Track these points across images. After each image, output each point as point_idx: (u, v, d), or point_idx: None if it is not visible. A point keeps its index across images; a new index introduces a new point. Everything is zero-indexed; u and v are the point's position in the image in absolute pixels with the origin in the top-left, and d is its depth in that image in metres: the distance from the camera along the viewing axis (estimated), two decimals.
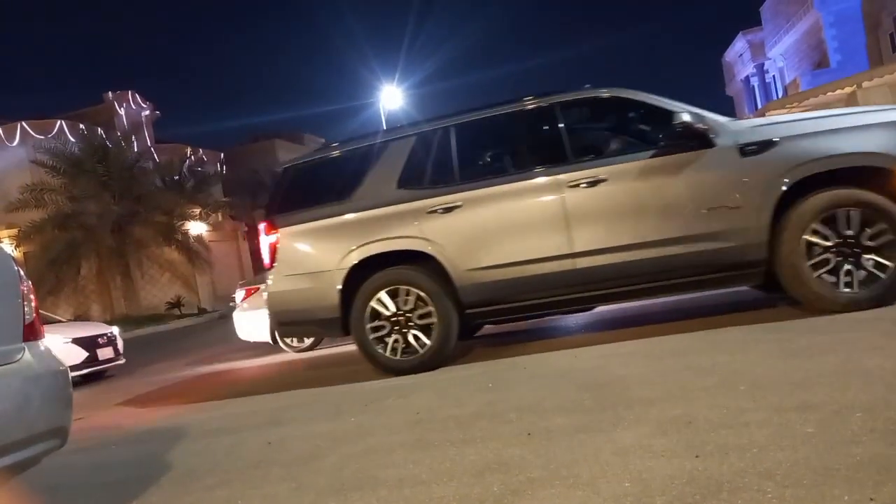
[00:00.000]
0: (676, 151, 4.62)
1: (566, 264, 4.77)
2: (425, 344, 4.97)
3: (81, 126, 26.94)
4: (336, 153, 5.56)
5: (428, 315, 4.97)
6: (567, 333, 5.96)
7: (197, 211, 26.61)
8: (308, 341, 8.34)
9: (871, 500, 1.76)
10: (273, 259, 5.32)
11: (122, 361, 10.14)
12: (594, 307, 5.47)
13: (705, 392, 3.01)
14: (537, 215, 4.85)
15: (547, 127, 5.10)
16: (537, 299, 4.93)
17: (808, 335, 3.84)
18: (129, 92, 31.03)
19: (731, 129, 4.60)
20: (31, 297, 2.64)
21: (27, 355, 2.46)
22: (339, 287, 5.07)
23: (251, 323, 8.64)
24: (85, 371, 9.40)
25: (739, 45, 44.96)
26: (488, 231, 4.91)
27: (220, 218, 29.13)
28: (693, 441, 2.41)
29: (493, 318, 5.26)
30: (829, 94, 26.28)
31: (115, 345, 10.08)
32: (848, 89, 25.42)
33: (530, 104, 5.11)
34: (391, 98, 28.51)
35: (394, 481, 2.60)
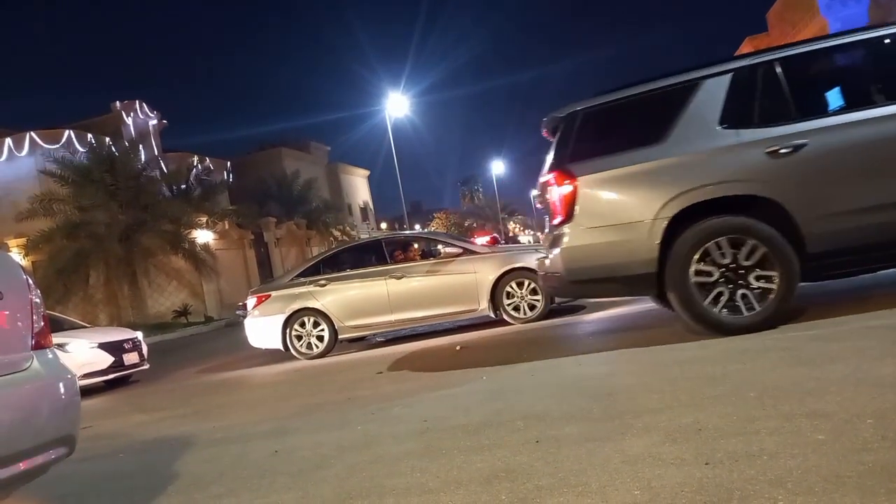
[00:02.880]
0: None
1: None
2: (766, 298, 4.41)
3: (89, 135, 27.12)
4: (636, 94, 4.94)
5: (767, 266, 4.39)
6: (574, 340, 5.94)
7: (204, 219, 26.68)
8: (320, 348, 8.33)
9: None
10: (568, 211, 4.76)
11: (146, 367, 10.18)
12: None
13: (715, 400, 2.99)
14: None
15: None
16: None
17: (818, 343, 3.81)
18: (137, 101, 31.26)
19: None
20: (40, 305, 2.65)
21: (36, 363, 2.47)
22: (658, 240, 4.53)
23: (263, 330, 8.63)
24: (111, 376, 9.48)
25: (746, 50, 44.97)
26: (848, 170, 4.35)
27: (226, 226, 29.20)
28: (703, 449, 2.39)
29: (842, 269, 4.63)
30: None
31: (140, 350, 10.14)
32: None
33: (881, 32, 4.60)
34: (397, 106, 28.66)
35: (401, 490, 2.59)
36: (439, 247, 8.99)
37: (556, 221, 4.89)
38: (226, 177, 36.27)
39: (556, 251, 4.89)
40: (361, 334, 8.70)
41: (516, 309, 7.91)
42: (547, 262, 5.19)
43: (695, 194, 4.49)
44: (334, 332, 8.38)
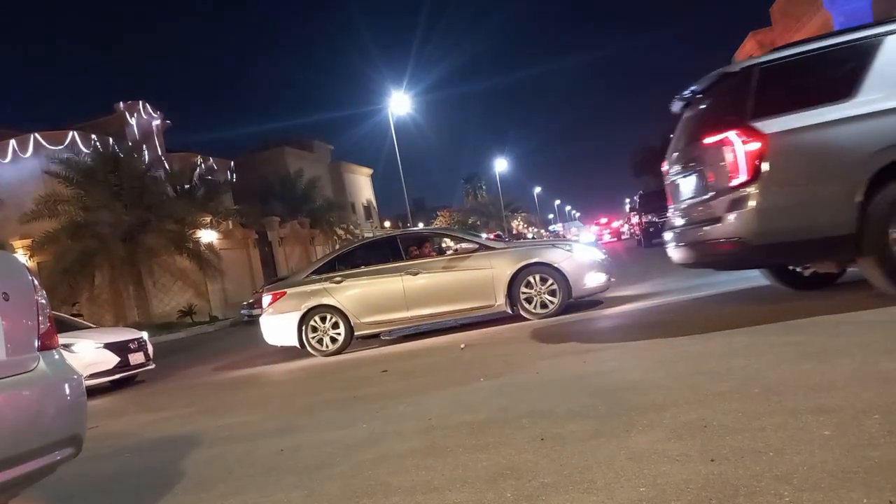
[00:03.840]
0: None
1: None
2: None
3: (93, 136, 27.18)
4: (816, 49, 4.80)
5: None
6: (578, 337, 5.93)
7: (208, 219, 26.71)
8: (336, 345, 8.29)
9: (891, 502, 1.74)
10: (754, 171, 4.57)
11: (151, 367, 10.21)
12: None
13: (720, 396, 2.99)
14: None
15: None
16: None
17: (824, 338, 3.80)
18: (140, 102, 31.28)
19: None
20: (46, 306, 2.66)
21: (42, 364, 2.48)
22: (859, 198, 4.32)
23: (279, 327, 8.58)
24: (117, 376, 9.48)
25: (750, 45, 44.77)
26: None
27: (230, 226, 29.24)
28: (708, 445, 2.39)
29: None
30: None
31: (146, 350, 10.15)
32: None
33: None
34: (400, 104, 28.65)
35: (406, 488, 2.59)
36: (455, 242, 8.91)
37: (734, 182, 4.66)
38: (229, 176, 36.30)
39: (734, 214, 4.68)
40: (377, 331, 8.67)
41: (531, 303, 7.82)
42: (710, 228, 4.97)
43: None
44: (350, 328, 8.33)
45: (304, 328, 8.39)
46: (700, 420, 2.69)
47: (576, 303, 8.04)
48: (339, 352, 8.30)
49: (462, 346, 6.66)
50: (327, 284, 8.44)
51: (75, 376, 2.65)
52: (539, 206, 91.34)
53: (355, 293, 8.35)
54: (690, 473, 2.16)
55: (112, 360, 9.37)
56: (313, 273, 8.76)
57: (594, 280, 7.82)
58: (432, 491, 2.50)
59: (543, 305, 7.80)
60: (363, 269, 8.53)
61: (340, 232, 40.27)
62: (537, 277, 7.81)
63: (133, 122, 30.53)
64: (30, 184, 25.75)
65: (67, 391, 2.55)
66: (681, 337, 4.68)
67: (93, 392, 8.63)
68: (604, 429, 2.84)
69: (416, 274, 8.18)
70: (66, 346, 8.50)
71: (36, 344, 2.51)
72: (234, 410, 5.50)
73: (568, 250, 8.03)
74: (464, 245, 8.49)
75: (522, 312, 7.85)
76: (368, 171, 57.32)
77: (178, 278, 25.15)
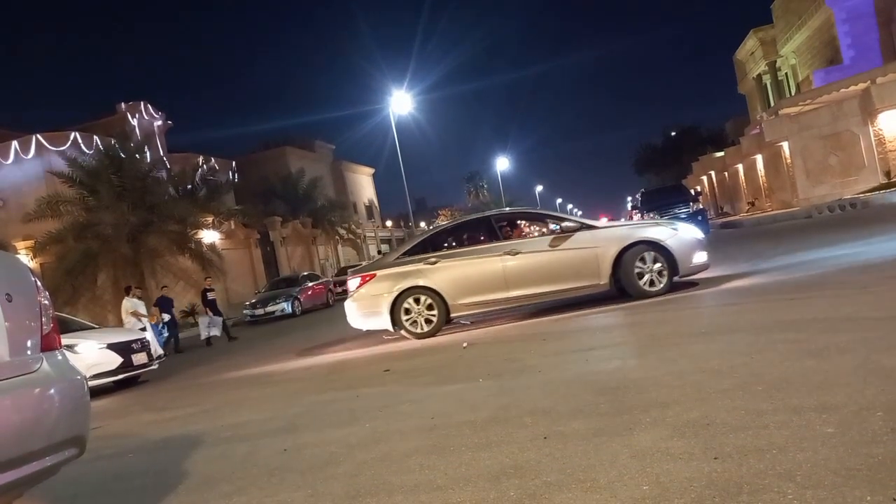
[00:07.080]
0: None
1: None
2: None
3: (95, 137, 27.21)
4: None
5: None
6: (579, 336, 5.93)
7: (210, 219, 26.73)
8: (430, 327, 8.14)
9: (894, 500, 1.74)
10: None
11: (155, 367, 10.23)
12: None
13: (722, 394, 2.99)
14: None
15: None
16: None
17: (827, 335, 3.79)
18: (142, 102, 31.31)
19: None
20: (49, 307, 2.67)
21: (45, 365, 2.48)
22: None
23: (368, 310, 8.41)
24: (120, 376, 9.50)
25: (751, 42, 44.71)
26: None
27: (232, 226, 29.28)
28: (711, 443, 2.39)
29: None
30: (842, 90, 26.09)
31: (149, 350, 10.19)
32: (862, 85, 25.22)
33: None
34: (401, 103, 28.62)
35: (409, 487, 2.59)
36: (551, 223, 8.74)
37: None
38: (231, 176, 36.32)
39: None
40: (473, 312, 8.48)
41: (642, 281, 7.61)
42: None
43: None
44: (446, 310, 8.18)
45: (396, 310, 8.21)
46: (703, 418, 2.69)
47: (679, 281, 7.80)
48: (432, 333, 8.13)
49: (464, 344, 6.66)
50: (421, 266, 8.25)
51: (78, 377, 2.65)
52: (541, 205, 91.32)
53: (451, 274, 8.16)
54: (693, 471, 2.16)
55: (115, 360, 9.38)
56: (403, 255, 8.59)
57: (699, 258, 7.71)
58: (435, 490, 2.50)
59: (651, 283, 7.61)
60: (460, 249, 8.36)
61: (342, 232, 40.30)
62: (645, 255, 7.62)
63: (134, 122, 30.55)
64: (32, 185, 25.78)
65: (70, 392, 2.55)
66: (680, 335, 4.67)
67: (96, 392, 8.64)
68: (606, 427, 2.84)
69: (516, 254, 7.99)
70: (69, 347, 8.51)
71: (39, 345, 2.52)
72: (237, 410, 5.51)
73: (674, 229, 7.87)
74: (565, 224, 8.25)
75: (630, 291, 7.67)
76: (370, 170, 57.31)
77: (180, 278, 25.14)
